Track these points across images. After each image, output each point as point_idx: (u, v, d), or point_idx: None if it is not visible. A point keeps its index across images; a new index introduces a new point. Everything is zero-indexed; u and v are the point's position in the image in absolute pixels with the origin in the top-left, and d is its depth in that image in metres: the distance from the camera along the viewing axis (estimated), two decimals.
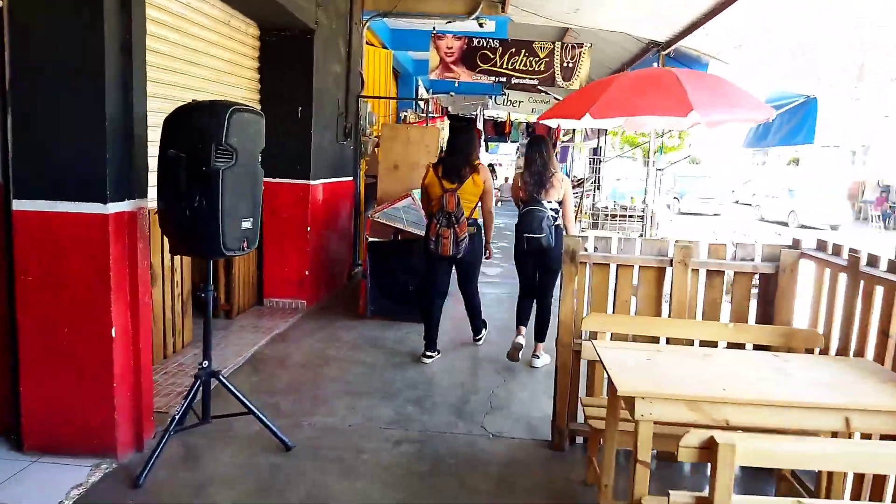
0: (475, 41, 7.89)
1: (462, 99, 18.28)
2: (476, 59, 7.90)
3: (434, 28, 8.00)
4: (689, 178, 31.31)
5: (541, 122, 5.84)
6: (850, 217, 23.88)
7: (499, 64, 7.87)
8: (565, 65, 7.81)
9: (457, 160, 4.83)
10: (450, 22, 7.74)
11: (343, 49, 6.97)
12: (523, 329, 5.05)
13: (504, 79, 7.90)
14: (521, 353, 4.96)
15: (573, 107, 4.51)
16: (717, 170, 43.32)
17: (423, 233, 5.07)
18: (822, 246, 3.20)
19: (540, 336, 5.02)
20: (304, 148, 6.04)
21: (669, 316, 3.33)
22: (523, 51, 7.80)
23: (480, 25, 7.74)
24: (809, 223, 22.56)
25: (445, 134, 9.76)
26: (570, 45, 7.77)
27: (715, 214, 27.73)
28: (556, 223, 4.78)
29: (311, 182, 6.13)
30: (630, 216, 8.55)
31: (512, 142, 22.31)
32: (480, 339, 5.44)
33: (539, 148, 4.89)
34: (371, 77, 9.48)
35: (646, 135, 34.32)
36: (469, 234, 4.79)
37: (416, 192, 6.23)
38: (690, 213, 26.73)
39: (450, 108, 19.87)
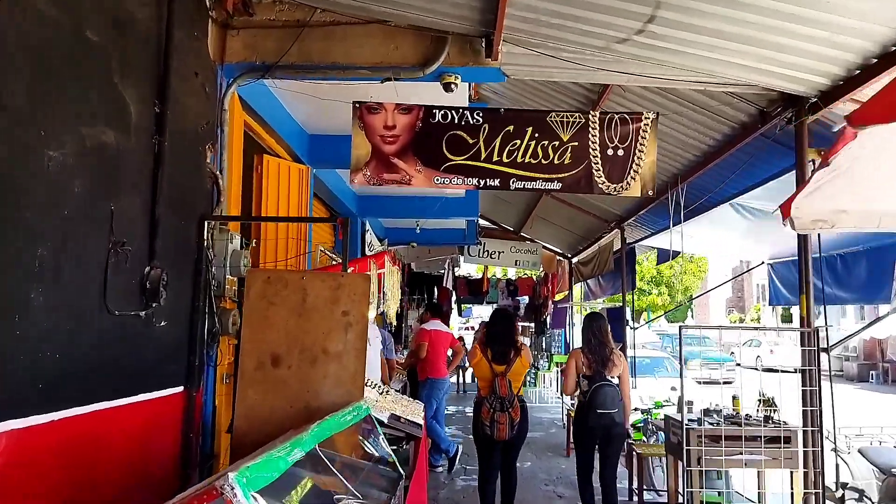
0: (438, 115, 4.17)
1: (427, 252, 14.61)
2: (442, 148, 4.13)
3: (370, 95, 4.29)
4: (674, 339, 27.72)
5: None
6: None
7: (484, 155, 4.10)
8: (610, 152, 4.08)
9: (505, 344, 5.01)
10: (388, 80, 4.04)
11: (138, 97, 3.11)
12: None
13: (496, 180, 4.09)
14: None
15: None
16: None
17: None
18: None
19: None
20: None
21: None
22: (530, 129, 4.09)
23: (448, 89, 4.07)
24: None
25: (395, 288, 5.77)
26: (615, 116, 4.10)
27: (726, 382, 23.71)
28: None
29: None
30: (757, 437, 4.32)
31: (488, 303, 18.59)
32: None
33: (593, 327, 5.17)
34: (271, 203, 5.67)
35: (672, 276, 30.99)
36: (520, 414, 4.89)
37: (319, 432, 2.08)
38: (711, 382, 22.61)
39: (412, 266, 16.22)
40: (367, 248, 9.53)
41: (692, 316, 41.21)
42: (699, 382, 20.67)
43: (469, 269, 20.43)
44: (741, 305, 46.57)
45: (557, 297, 14.04)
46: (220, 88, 4.04)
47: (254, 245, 4.24)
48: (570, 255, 12.70)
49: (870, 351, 27.53)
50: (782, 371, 23.67)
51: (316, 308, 3.57)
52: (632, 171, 4.06)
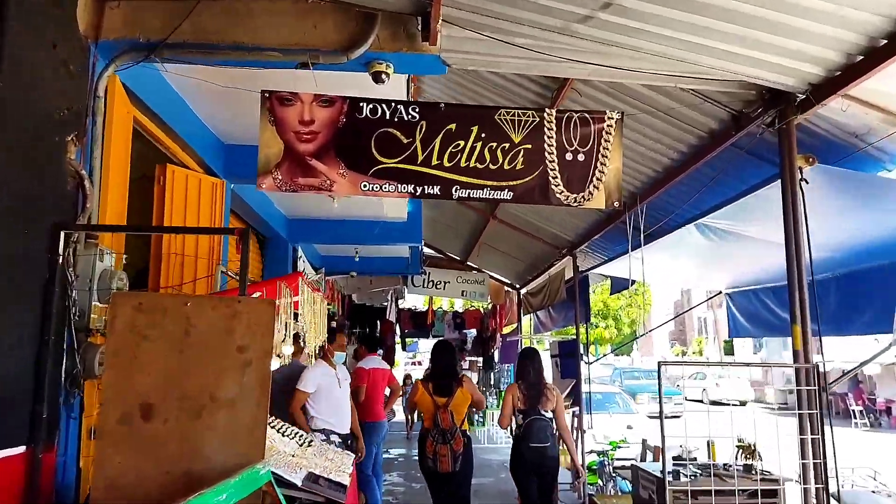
0: (366, 109, 3.48)
1: (369, 283, 13.79)
2: (370, 148, 3.43)
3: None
4: (629, 374, 27.51)
5: None
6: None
7: (422, 157, 3.42)
8: (569, 157, 3.46)
9: (446, 376, 5.16)
10: (304, 65, 3.33)
11: None
12: None
13: (436, 188, 3.42)
14: None
15: None
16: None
17: None
18: None
19: None
20: None
21: None
22: (475, 129, 3.44)
23: (378, 79, 3.39)
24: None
25: (318, 319, 4.95)
26: (574, 116, 3.50)
27: (675, 416, 23.48)
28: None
29: None
30: (745, 492, 3.66)
31: (434, 336, 17.80)
32: None
33: (532, 362, 5.33)
34: (176, 221, 4.86)
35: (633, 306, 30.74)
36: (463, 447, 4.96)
37: None
38: (656, 417, 22.21)
39: (354, 297, 15.34)
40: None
41: (636, 349, 41.35)
42: (651, 417, 20.29)
43: (416, 301, 19.62)
44: (683, 338, 47.15)
45: (506, 330, 13.41)
46: (92, 70, 3.25)
47: (126, 260, 3.40)
48: (518, 286, 12.13)
49: None
50: (729, 403, 23.06)
51: (204, 343, 2.78)
52: (594, 180, 3.45)
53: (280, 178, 3.36)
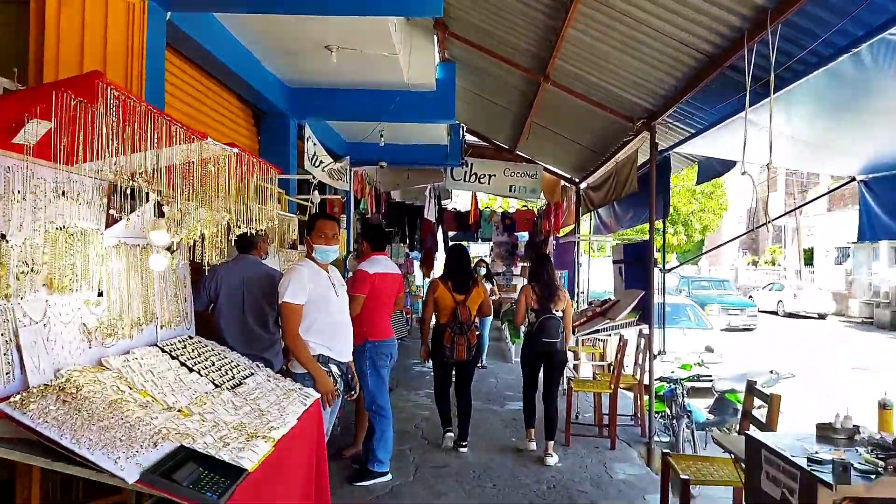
0: None
1: (406, 177, 12.09)
2: None
3: None
4: (698, 283, 25.37)
5: None
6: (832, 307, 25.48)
7: None
8: None
9: (464, 274, 5.69)
10: None
11: None
12: (532, 432, 5.82)
13: None
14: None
15: None
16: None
17: None
18: None
19: (550, 434, 5.58)
20: None
21: None
22: None
23: None
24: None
25: (228, 190, 3.22)
26: None
27: (746, 328, 21.46)
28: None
29: None
30: None
31: (483, 240, 16.17)
32: (466, 445, 5.76)
33: (545, 266, 5.81)
34: (69, 54, 3.29)
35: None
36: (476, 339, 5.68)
37: None
38: (731, 329, 20.39)
39: (395, 195, 13.72)
40: (308, 163, 7.06)
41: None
42: (724, 330, 18.33)
43: (465, 201, 17.79)
44: (755, 248, 44.02)
45: (562, 233, 11.58)
46: None
47: None
48: (577, 180, 10.19)
49: None
50: (808, 316, 20.32)
51: None
52: None
53: None
